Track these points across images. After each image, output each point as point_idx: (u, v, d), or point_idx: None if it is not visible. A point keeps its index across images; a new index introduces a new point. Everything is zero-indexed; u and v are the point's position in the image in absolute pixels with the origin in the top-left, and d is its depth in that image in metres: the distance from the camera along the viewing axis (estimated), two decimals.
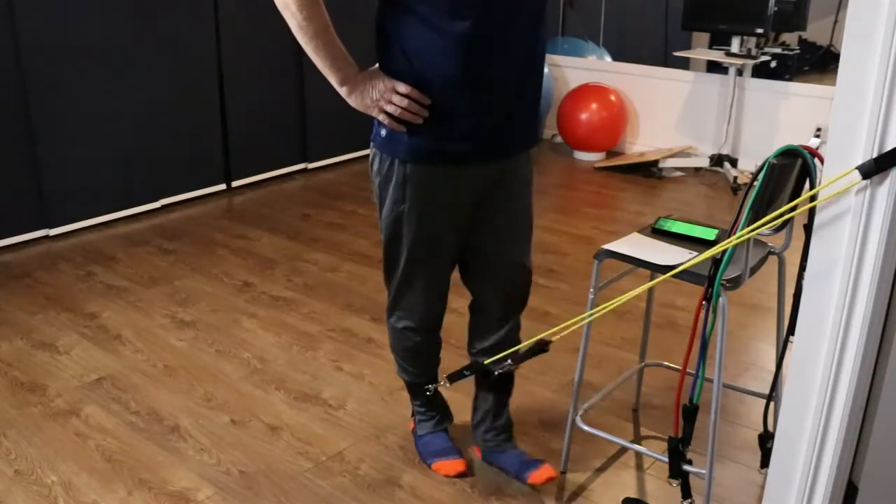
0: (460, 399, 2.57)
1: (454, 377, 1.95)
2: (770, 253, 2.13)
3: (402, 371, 2.28)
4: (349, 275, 3.61)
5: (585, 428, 2.19)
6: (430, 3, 1.78)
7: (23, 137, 3.81)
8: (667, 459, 1.94)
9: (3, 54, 3.67)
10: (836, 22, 6.97)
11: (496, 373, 2.00)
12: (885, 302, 1.43)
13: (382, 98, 1.87)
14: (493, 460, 2.31)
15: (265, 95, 4.81)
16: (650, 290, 2.41)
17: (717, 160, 5.05)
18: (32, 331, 3.08)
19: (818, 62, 7.16)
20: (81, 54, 3.92)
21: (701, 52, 5.53)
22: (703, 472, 1.97)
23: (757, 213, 1.74)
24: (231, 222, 4.26)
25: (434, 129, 1.89)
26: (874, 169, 1.32)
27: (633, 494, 2.19)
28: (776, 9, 4.69)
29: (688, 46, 6.08)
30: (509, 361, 1.95)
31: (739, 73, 4.99)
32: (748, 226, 1.74)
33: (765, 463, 2.23)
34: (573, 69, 5.76)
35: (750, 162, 5.07)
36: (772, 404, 2.16)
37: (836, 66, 1.35)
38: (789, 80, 5.69)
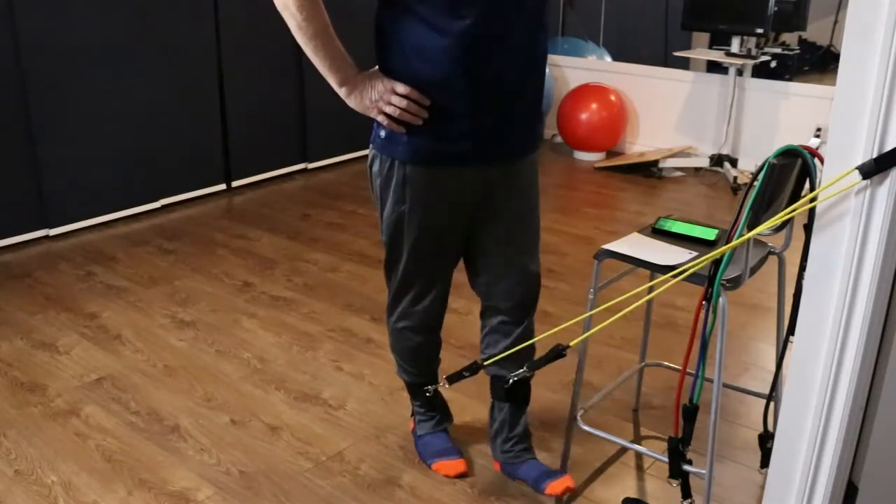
0: (460, 399, 2.57)
1: (453, 378, 1.94)
2: (770, 253, 2.13)
3: (401, 371, 2.28)
4: (349, 275, 3.61)
5: (585, 428, 2.19)
6: (430, 2, 1.78)
7: (23, 137, 3.81)
8: (667, 459, 1.94)
9: (3, 54, 3.67)
10: (836, 22, 6.97)
11: (510, 380, 1.93)
12: (885, 302, 1.43)
13: (381, 99, 1.86)
14: (511, 472, 2.22)
15: (265, 95, 4.81)
16: (650, 289, 2.41)
17: (717, 160, 5.05)
18: (32, 331, 3.08)
19: (818, 62, 7.16)
20: (81, 54, 3.92)
21: (701, 52, 5.53)
22: (703, 472, 1.96)
23: (757, 214, 1.74)
24: (231, 222, 4.26)
25: (434, 129, 1.88)
26: (874, 169, 1.32)
27: (633, 494, 2.19)
28: (776, 9, 4.69)
29: (688, 46, 6.08)
30: (524, 368, 1.89)
31: (739, 73, 4.99)
32: (748, 226, 1.74)
33: (765, 463, 2.23)
34: (573, 69, 5.76)
35: (750, 162, 5.07)
36: (772, 404, 2.16)
37: (836, 66, 1.35)
38: (789, 80, 5.70)
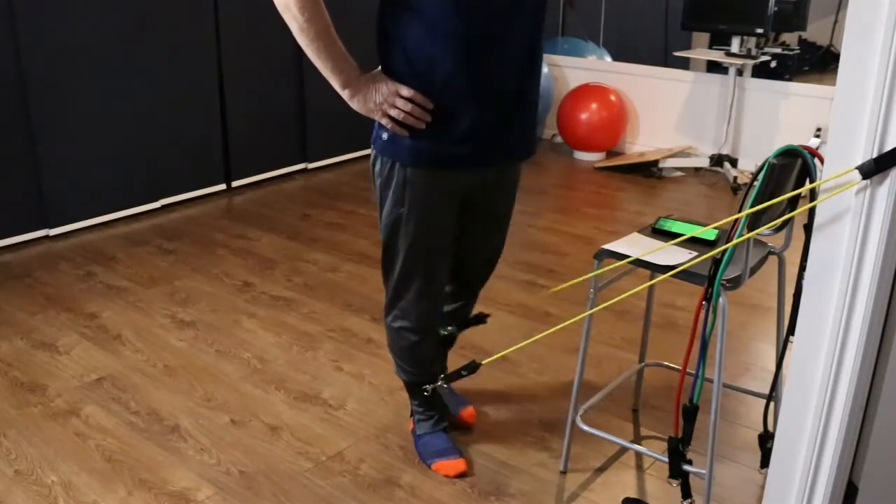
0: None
1: (451, 377, 1.95)
2: (770, 253, 2.14)
3: (400, 371, 2.28)
4: (349, 275, 3.61)
5: (585, 428, 2.19)
6: (431, 2, 1.78)
7: (23, 137, 3.81)
8: (667, 459, 1.94)
9: (3, 54, 3.67)
10: (836, 22, 6.97)
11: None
12: (885, 302, 1.43)
13: (386, 102, 1.86)
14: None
15: (265, 95, 4.81)
16: (650, 289, 2.42)
17: (717, 160, 5.05)
18: (32, 331, 3.08)
19: (818, 62, 7.16)
20: (81, 54, 3.92)
21: (701, 52, 5.53)
22: (703, 472, 1.96)
23: (757, 214, 1.75)
24: (231, 222, 4.26)
25: (435, 132, 1.89)
26: (874, 169, 1.32)
27: (633, 494, 2.19)
28: (776, 9, 4.69)
29: (688, 46, 6.08)
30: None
31: (739, 73, 4.99)
32: (748, 226, 1.74)
33: (765, 463, 2.23)
34: (573, 69, 5.76)
35: (750, 162, 5.07)
36: (772, 404, 2.17)
37: (836, 66, 1.35)
38: (789, 80, 5.70)
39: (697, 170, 5.17)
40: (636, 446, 2.37)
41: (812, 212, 1.45)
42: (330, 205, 4.54)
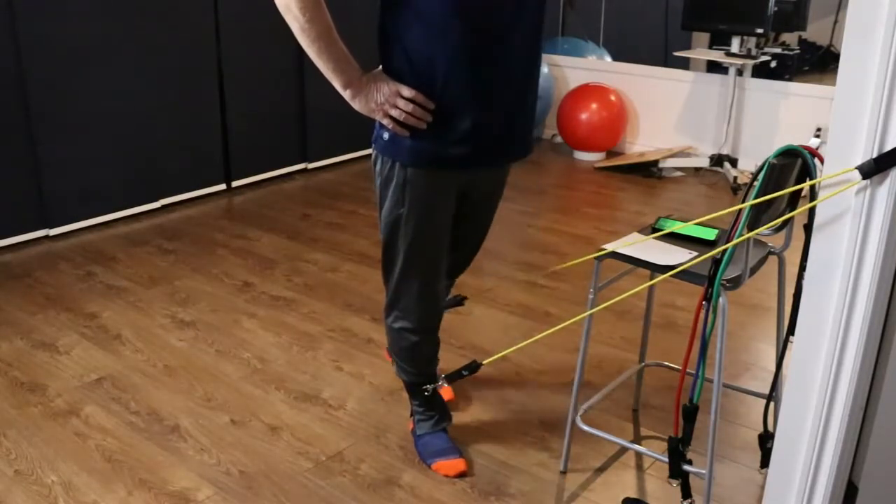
0: (459, 399, 2.57)
1: (452, 377, 1.95)
2: (770, 253, 2.14)
3: (400, 371, 2.28)
4: (349, 275, 3.61)
5: (585, 428, 2.19)
6: (432, 2, 1.78)
7: (23, 137, 3.81)
8: (667, 459, 1.94)
9: (3, 54, 3.67)
10: (836, 22, 6.97)
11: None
12: (885, 302, 1.43)
13: (387, 102, 1.86)
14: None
15: (265, 95, 4.81)
16: (650, 289, 2.42)
17: (717, 160, 5.05)
18: (32, 331, 3.08)
19: (818, 62, 7.16)
20: (81, 54, 3.92)
21: (701, 52, 5.53)
22: (703, 472, 1.97)
23: (757, 214, 1.75)
24: (231, 222, 4.26)
25: (436, 132, 1.89)
26: (874, 169, 1.32)
27: (633, 494, 2.20)
28: (776, 9, 4.69)
29: (688, 46, 6.08)
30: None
31: (739, 73, 4.99)
32: (748, 226, 1.74)
33: (765, 463, 2.23)
34: (573, 69, 5.76)
35: (750, 162, 5.07)
36: (772, 404, 2.16)
37: (836, 66, 1.35)
38: (789, 80, 5.69)
39: (697, 170, 5.17)
40: (636, 446, 2.37)
41: (812, 212, 1.45)
42: (330, 205, 4.54)
